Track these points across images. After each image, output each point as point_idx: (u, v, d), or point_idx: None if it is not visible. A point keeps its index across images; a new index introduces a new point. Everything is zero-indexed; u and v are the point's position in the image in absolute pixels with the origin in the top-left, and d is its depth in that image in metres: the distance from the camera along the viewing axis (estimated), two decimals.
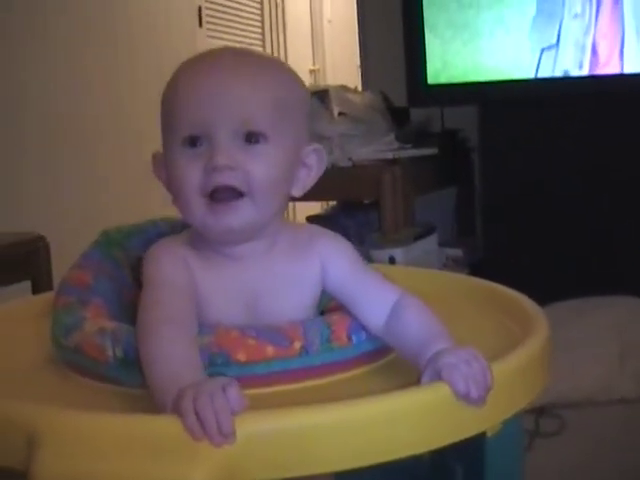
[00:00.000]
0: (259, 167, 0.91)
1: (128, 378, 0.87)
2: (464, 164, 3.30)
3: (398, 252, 2.48)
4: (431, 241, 2.77)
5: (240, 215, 0.92)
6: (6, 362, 1.03)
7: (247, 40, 5.07)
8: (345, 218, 2.89)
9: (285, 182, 0.95)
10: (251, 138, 0.91)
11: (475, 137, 3.12)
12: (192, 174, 0.91)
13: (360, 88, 3.70)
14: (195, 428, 0.72)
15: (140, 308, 0.89)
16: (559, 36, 2.76)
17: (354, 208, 2.99)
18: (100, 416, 0.77)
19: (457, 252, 3.04)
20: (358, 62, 3.88)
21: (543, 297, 1.17)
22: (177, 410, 0.73)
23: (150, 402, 0.79)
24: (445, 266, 2.91)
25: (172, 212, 1.22)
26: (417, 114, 3.25)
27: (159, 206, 3.83)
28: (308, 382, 0.89)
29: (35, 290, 2.28)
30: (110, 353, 0.88)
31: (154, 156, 0.99)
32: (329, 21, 6.18)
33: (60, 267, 2.19)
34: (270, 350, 0.87)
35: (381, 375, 0.93)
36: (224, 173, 0.90)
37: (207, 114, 0.90)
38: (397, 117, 3.15)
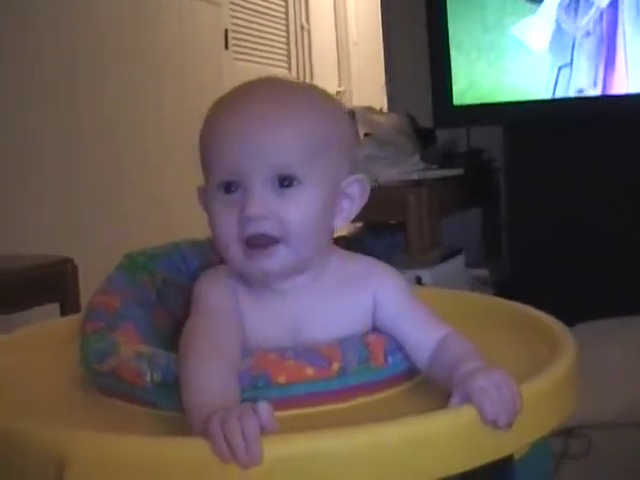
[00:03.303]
0: (293, 213, 0.91)
1: (165, 401, 0.88)
2: (490, 184, 3.30)
3: (425, 273, 2.48)
4: (458, 262, 2.77)
5: (276, 260, 0.92)
6: (35, 386, 1.04)
7: (273, 62, 5.10)
8: (371, 239, 2.89)
9: (323, 221, 0.95)
10: (284, 182, 0.91)
11: (500, 157, 3.12)
12: (228, 222, 0.92)
13: (386, 109, 3.71)
14: (223, 450, 0.72)
15: (185, 333, 0.90)
16: (572, 55, 2.76)
17: (380, 229, 2.99)
18: (128, 439, 0.77)
19: (483, 272, 3.03)
20: (383, 84, 3.89)
21: (570, 317, 1.17)
22: (205, 432, 0.74)
23: (186, 425, 0.80)
24: (471, 286, 2.90)
25: (195, 233, 1.23)
26: (442, 134, 3.25)
27: (182, 227, 3.87)
28: (346, 403, 0.90)
29: (63, 312, 2.30)
30: (148, 377, 0.89)
31: (199, 190, 1.00)
32: (355, 43, 6.21)
33: (88, 289, 2.22)
34: (309, 371, 0.88)
35: (415, 394, 0.93)
36: (258, 222, 0.90)
37: (240, 161, 0.90)
38: (423, 138, 3.16)
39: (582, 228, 2.81)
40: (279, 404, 0.84)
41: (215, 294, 0.95)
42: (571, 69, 2.76)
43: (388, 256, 2.64)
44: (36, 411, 0.94)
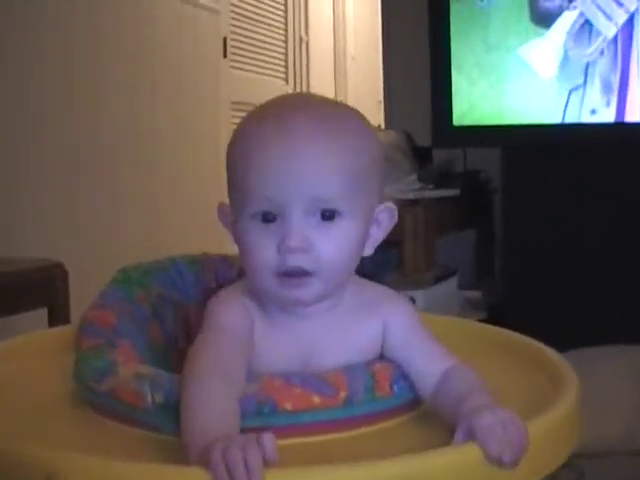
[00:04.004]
0: (331, 248, 0.90)
1: (166, 425, 0.85)
2: (486, 206, 3.29)
3: (419, 294, 2.47)
4: (451, 283, 2.76)
5: (310, 290, 0.91)
6: (25, 400, 1.01)
7: (271, 72, 5.09)
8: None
9: (357, 253, 0.94)
10: (326, 214, 0.90)
11: (497, 178, 3.11)
12: (265, 253, 0.90)
13: (383, 126, 3.70)
14: None
15: (192, 350, 0.89)
16: (586, 75, 2.75)
17: None
18: (122, 465, 0.75)
19: (476, 294, 3.02)
20: (380, 99, 3.88)
21: (563, 342, 1.16)
22: (205, 461, 0.72)
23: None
24: (463, 309, 2.89)
25: (189, 245, 1.21)
26: (439, 154, 3.25)
27: (176, 236, 3.83)
28: (351, 432, 0.89)
29: (52, 317, 2.27)
30: (149, 399, 0.87)
31: (220, 208, 0.98)
32: (353, 58, 6.20)
33: (77, 294, 2.19)
34: (316, 400, 0.87)
35: (419, 425, 0.92)
36: (297, 255, 0.89)
37: (280, 191, 0.88)
38: (419, 157, 3.15)
39: (578, 252, 2.80)
40: (284, 432, 0.84)
41: (228, 313, 0.93)
42: (584, 90, 2.75)
43: (380, 274, 2.63)
44: (25, 428, 0.92)
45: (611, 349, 2.46)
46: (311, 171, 0.88)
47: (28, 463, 0.77)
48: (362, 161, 0.92)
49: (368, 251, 0.97)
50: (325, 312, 0.95)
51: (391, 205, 0.98)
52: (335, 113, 0.94)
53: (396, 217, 0.98)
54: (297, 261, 0.89)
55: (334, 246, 0.90)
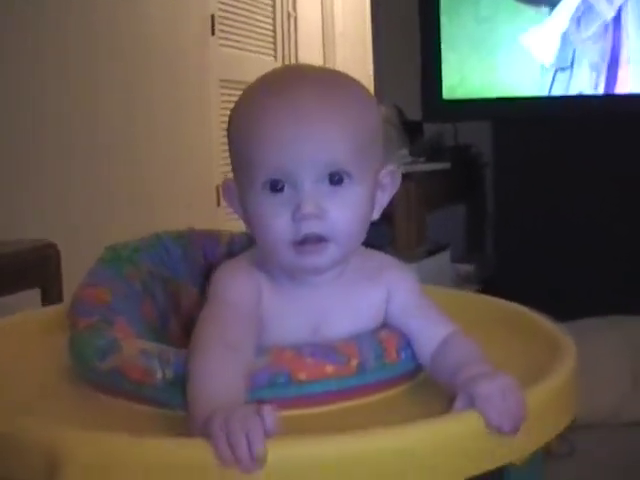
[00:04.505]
0: (344, 212, 0.90)
1: (176, 400, 0.85)
2: (477, 179, 3.29)
3: (411, 268, 2.46)
4: (444, 257, 2.76)
5: (326, 256, 0.91)
6: (20, 380, 1.01)
7: (259, 50, 5.06)
8: None
9: (368, 216, 0.95)
10: (335, 178, 0.90)
11: (488, 152, 3.11)
12: (279, 224, 0.89)
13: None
14: (225, 453, 0.70)
15: (200, 321, 0.88)
16: (573, 58, 2.75)
17: None
18: (125, 439, 0.75)
19: (468, 268, 3.02)
20: (370, 74, 3.87)
21: (555, 314, 1.16)
22: (207, 433, 0.72)
23: None
24: (455, 282, 2.89)
25: (180, 224, 1.20)
26: (430, 128, 3.24)
27: (167, 214, 3.82)
28: (362, 400, 0.89)
29: (45, 298, 2.26)
30: (159, 375, 0.87)
31: (225, 185, 0.98)
32: (341, 33, 6.18)
33: (70, 275, 2.19)
34: (329, 369, 0.87)
35: (423, 391, 0.93)
36: (312, 222, 0.89)
37: (290, 158, 0.88)
38: (410, 131, 3.14)
39: (569, 224, 2.81)
40: (298, 402, 0.85)
41: (235, 285, 0.93)
42: (571, 73, 2.75)
43: (373, 248, 2.63)
44: (26, 406, 0.91)
45: (603, 321, 2.46)
46: (320, 136, 0.88)
47: (31, 443, 0.77)
48: (367, 125, 0.93)
49: (376, 215, 0.97)
50: (331, 281, 0.95)
51: (393, 168, 0.98)
52: (338, 80, 0.95)
53: (399, 179, 0.99)
54: (312, 227, 0.89)
55: (346, 210, 0.90)
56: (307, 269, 0.92)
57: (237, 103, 0.95)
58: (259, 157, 0.89)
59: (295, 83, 0.92)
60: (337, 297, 0.96)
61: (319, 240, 0.89)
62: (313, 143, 0.88)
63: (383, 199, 0.98)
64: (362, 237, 0.95)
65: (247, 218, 0.94)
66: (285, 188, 0.89)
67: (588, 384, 2.07)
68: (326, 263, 0.92)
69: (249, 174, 0.91)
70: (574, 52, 2.75)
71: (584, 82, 2.76)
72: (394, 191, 0.99)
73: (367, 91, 0.97)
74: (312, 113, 0.89)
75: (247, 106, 0.93)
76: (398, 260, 1.02)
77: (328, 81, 0.94)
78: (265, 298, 0.94)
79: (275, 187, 0.89)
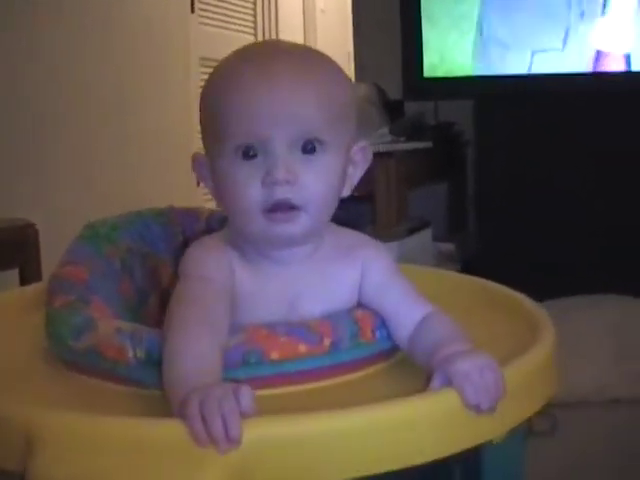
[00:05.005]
0: (316, 180, 0.90)
1: (149, 379, 0.84)
2: (458, 158, 3.28)
3: (392, 246, 2.45)
4: (425, 235, 2.75)
5: (297, 225, 0.90)
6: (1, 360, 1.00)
7: (239, 28, 5.03)
8: (336, 210, 2.86)
9: (339, 189, 0.94)
10: (308, 146, 0.89)
11: (469, 131, 3.10)
12: (250, 191, 0.89)
13: (353, 80, 3.68)
14: (200, 434, 0.70)
15: (173, 300, 0.88)
16: (566, 38, 2.75)
17: (345, 200, 2.95)
18: (101, 419, 0.75)
19: (449, 246, 3.02)
20: (350, 52, 3.86)
21: (537, 294, 1.16)
22: (183, 413, 0.71)
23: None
24: (437, 260, 2.89)
25: (159, 201, 1.20)
26: (411, 107, 3.23)
27: (146, 191, 3.78)
28: (336, 379, 0.89)
29: (23, 278, 2.25)
30: (131, 354, 0.86)
31: (195, 158, 0.97)
32: (322, 11, 6.15)
33: (48, 255, 2.17)
34: (302, 348, 0.87)
35: (400, 371, 0.93)
36: (283, 188, 0.88)
37: (263, 123, 0.88)
38: (391, 110, 3.13)
39: (551, 203, 2.81)
40: (270, 381, 0.84)
41: (208, 261, 0.92)
42: (562, 51, 2.75)
43: (353, 228, 2.62)
44: (1, 388, 0.91)
45: (585, 299, 2.47)
46: (295, 103, 0.88)
47: (7, 423, 0.77)
48: (341, 98, 0.93)
49: (346, 192, 0.97)
50: (305, 258, 0.95)
51: (364, 144, 0.98)
52: (313, 54, 0.96)
53: (370, 155, 0.99)
54: (283, 193, 0.88)
55: (318, 179, 0.90)
56: (278, 238, 0.91)
57: (212, 71, 0.96)
58: (232, 120, 0.89)
59: (271, 53, 0.93)
60: (311, 275, 0.95)
61: (290, 208, 0.89)
62: (287, 109, 0.88)
63: (354, 175, 0.98)
64: (332, 209, 0.95)
65: (217, 190, 0.94)
66: (257, 155, 0.89)
67: (570, 362, 2.09)
68: (297, 232, 0.91)
69: (221, 139, 0.90)
70: (567, 32, 2.74)
71: (566, 60, 2.76)
72: (365, 168, 0.99)
73: (340, 68, 0.97)
74: (287, 81, 0.89)
75: (222, 73, 0.93)
76: (373, 239, 1.02)
77: (303, 54, 0.95)
78: (238, 277, 0.93)
79: (247, 154, 0.89)
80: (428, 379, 0.84)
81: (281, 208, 0.89)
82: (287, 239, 0.92)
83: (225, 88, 0.91)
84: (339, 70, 0.96)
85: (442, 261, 2.87)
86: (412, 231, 2.65)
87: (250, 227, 0.91)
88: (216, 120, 0.91)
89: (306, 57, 0.93)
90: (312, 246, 0.95)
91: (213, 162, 0.93)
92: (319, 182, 0.90)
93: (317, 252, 0.96)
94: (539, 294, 1.20)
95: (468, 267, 2.77)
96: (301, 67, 0.90)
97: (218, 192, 0.94)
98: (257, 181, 0.88)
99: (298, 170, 0.89)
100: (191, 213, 1.20)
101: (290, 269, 0.95)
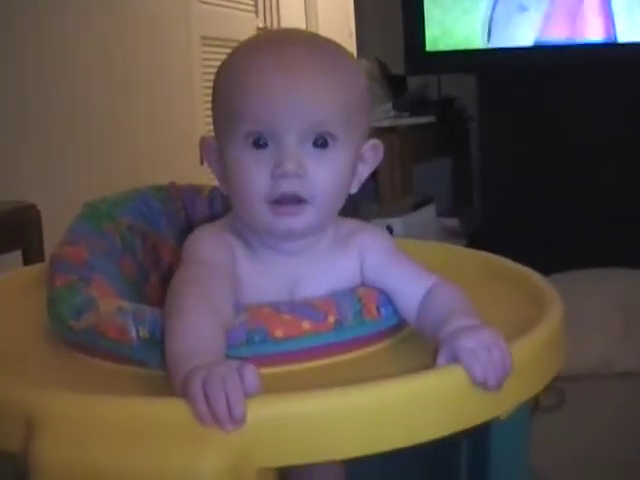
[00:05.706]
0: (325, 175, 0.89)
1: (152, 359, 0.84)
2: (461, 133, 3.27)
3: (396, 222, 2.45)
4: (429, 211, 2.74)
5: (303, 219, 0.90)
6: (1, 340, 1.00)
7: (240, 7, 5.00)
8: None
9: (348, 184, 0.94)
10: (319, 141, 0.89)
11: (472, 105, 3.08)
12: (258, 180, 0.88)
13: (355, 55, 3.66)
14: (204, 414, 0.69)
15: (175, 282, 0.87)
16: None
17: None
18: (103, 399, 0.74)
19: (454, 222, 3.01)
20: (351, 28, 3.83)
21: (543, 267, 1.15)
22: (185, 392, 0.70)
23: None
24: (442, 236, 2.88)
25: (158, 180, 1.19)
26: (413, 82, 3.21)
27: (149, 172, 3.77)
28: (341, 357, 0.88)
29: (26, 260, 2.24)
30: (133, 334, 0.85)
31: (204, 141, 0.96)
32: None
33: (51, 237, 2.16)
34: (306, 325, 0.86)
35: (406, 347, 0.92)
36: (292, 180, 0.87)
37: (277, 113, 0.87)
38: (393, 85, 3.12)
39: (554, 178, 2.79)
40: (275, 359, 0.84)
41: (210, 246, 0.92)
42: (550, 18, 2.73)
43: (357, 204, 2.62)
44: (3, 368, 0.90)
45: (592, 273, 2.46)
46: (309, 94, 0.88)
47: (8, 404, 0.76)
48: (355, 93, 0.92)
49: (354, 188, 0.97)
50: (307, 249, 0.95)
51: (376, 142, 0.97)
52: (330, 46, 0.95)
53: (381, 154, 0.98)
54: (291, 186, 0.87)
55: (327, 174, 0.89)
56: (282, 231, 0.91)
57: (227, 57, 0.94)
58: (245, 106, 0.88)
59: (287, 42, 0.92)
60: (312, 265, 0.95)
61: (297, 201, 0.88)
62: (303, 101, 0.87)
63: (363, 172, 0.97)
64: (339, 205, 0.94)
65: (225, 176, 0.93)
66: (268, 145, 0.88)
67: (578, 335, 2.09)
68: (302, 226, 0.90)
69: (233, 125, 0.90)
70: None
71: (561, 29, 2.74)
72: (374, 165, 0.99)
73: (356, 62, 0.98)
74: (303, 71, 0.88)
75: (237, 59, 0.92)
76: (370, 225, 1.02)
77: (320, 45, 0.94)
78: (239, 264, 0.93)
79: (258, 142, 0.88)
80: (434, 354, 0.83)
81: (288, 201, 0.88)
82: (291, 232, 0.91)
83: (239, 73, 0.90)
84: (357, 68, 0.96)
85: (446, 236, 2.87)
86: (416, 207, 2.64)
87: (254, 217, 0.91)
88: (230, 101, 0.90)
89: (327, 52, 0.92)
90: (315, 238, 0.95)
91: (222, 146, 0.92)
92: (328, 177, 0.89)
93: (319, 243, 0.95)
94: (545, 268, 1.19)
95: (473, 242, 2.76)
96: (318, 60, 0.90)
97: (225, 178, 0.93)
98: (266, 171, 0.88)
99: (308, 164, 0.88)
100: (193, 190, 1.19)
101: (292, 259, 0.94)
